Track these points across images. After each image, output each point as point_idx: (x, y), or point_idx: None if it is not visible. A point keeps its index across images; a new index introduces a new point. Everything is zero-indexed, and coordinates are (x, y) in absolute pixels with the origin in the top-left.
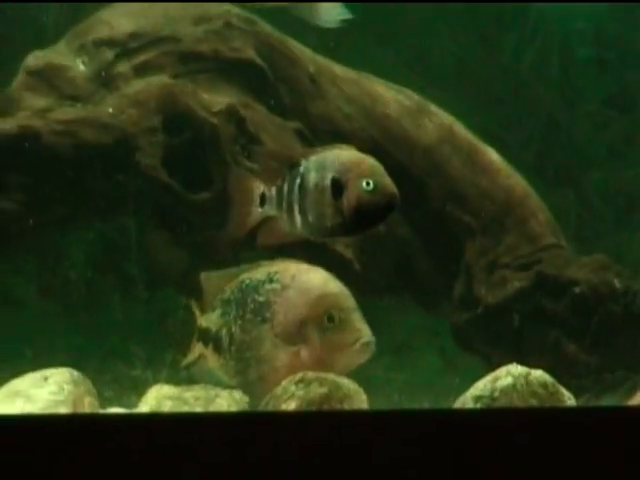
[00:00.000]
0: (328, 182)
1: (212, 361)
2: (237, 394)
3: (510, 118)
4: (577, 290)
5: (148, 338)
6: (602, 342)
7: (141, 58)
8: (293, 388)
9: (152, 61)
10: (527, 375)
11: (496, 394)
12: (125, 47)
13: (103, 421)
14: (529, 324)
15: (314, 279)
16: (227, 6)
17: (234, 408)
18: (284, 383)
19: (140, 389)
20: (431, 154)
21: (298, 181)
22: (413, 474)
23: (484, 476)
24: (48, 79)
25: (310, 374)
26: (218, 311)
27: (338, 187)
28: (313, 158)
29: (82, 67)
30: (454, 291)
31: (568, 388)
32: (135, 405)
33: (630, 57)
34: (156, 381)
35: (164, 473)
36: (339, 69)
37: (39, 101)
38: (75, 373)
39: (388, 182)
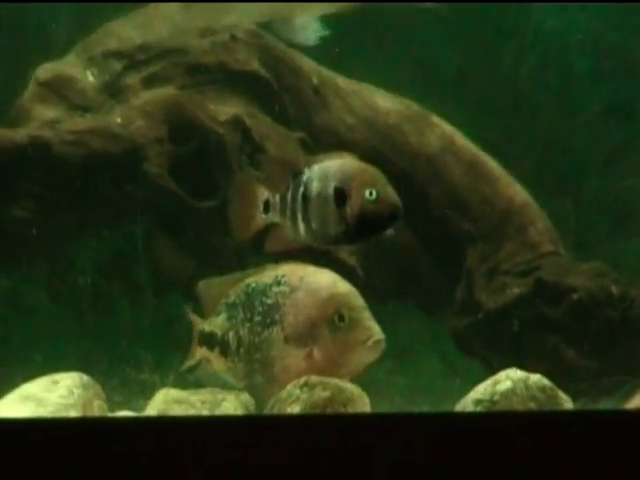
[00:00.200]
0: (331, 191)
1: (218, 364)
2: (244, 397)
3: (510, 128)
4: (575, 296)
5: (155, 343)
6: (600, 347)
7: (149, 70)
8: (297, 392)
9: (160, 73)
10: (526, 379)
11: (496, 398)
12: (133, 59)
13: (112, 424)
14: (528, 329)
15: (322, 280)
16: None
17: (240, 411)
18: (289, 387)
19: (148, 393)
20: (433, 163)
21: (301, 189)
22: (414, 476)
23: (485, 478)
24: (58, 90)
25: (314, 378)
26: (223, 315)
27: (341, 196)
28: (316, 167)
29: (91, 78)
30: (455, 296)
31: (566, 392)
32: (143, 409)
33: (627, 68)
34: (163, 385)
35: (170, 475)
36: (342, 80)
37: (49, 112)
38: (84, 377)
39: (390, 191)
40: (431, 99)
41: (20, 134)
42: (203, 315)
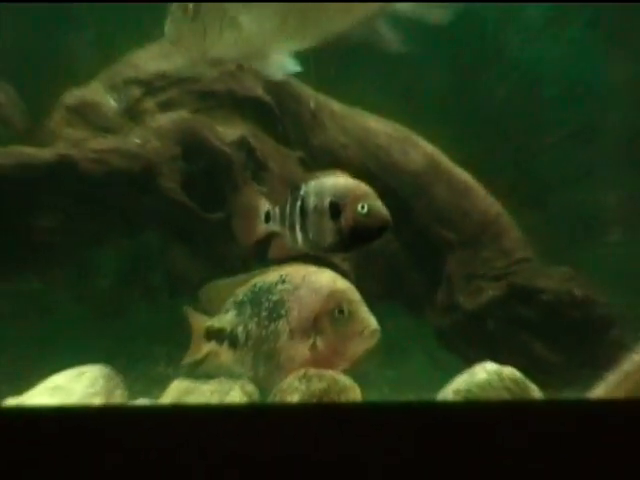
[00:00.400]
0: (327, 205)
1: (227, 356)
2: (249, 387)
3: (487, 148)
4: (544, 298)
5: (169, 339)
6: (565, 344)
7: (164, 96)
8: (296, 383)
9: (174, 98)
10: (500, 372)
11: (473, 388)
12: (150, 86)
13: (132, 411)
14: (502, 327)
15: (323, 278)
16: None
17: (245, 400)
18: (289, 379)
19: (163, 384)
20: (417, 180)
21: (299, 203)
22: (399, 456)
23: (463, 457)
24: (83, 114)
25: (312, 371)
26: (232, 312)
27: (336, 210)
28: (313, 183)
29: (113, 103)
30: (437, 298)
31: (535, 383)
32: (159, 397)
33: (591, 96)
34: (177, 376)
35: (181, 452)
36: (336, 105)
37: (75, 133)
38: (107, 369)
39: (380, 206)
40: (415, 121)
41: (50, 153)
42: (208, 314)
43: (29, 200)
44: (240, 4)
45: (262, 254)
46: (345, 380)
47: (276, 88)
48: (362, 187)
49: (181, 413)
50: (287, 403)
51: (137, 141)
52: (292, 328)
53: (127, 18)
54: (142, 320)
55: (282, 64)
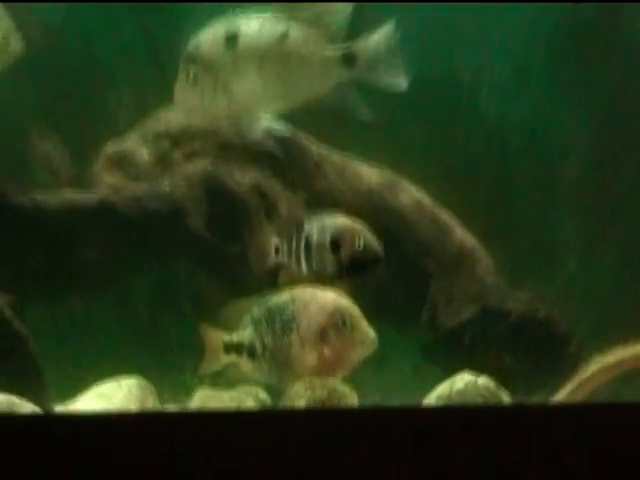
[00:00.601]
0: (328, 241)
1: (247, 367)
2: (262, 395)
3: (460, 193)
4: (512, 318)
5: (195, 353)
6: (531, 356)
7: (190, 147)
8: (303, 391)
9: (198, 150)
10: (475, 381)
11: (453, 395)
12: (178, 139)
13: (162, 415)
14: (477, 343)
15: (328, 297)
16: None
17: (258, 405)
18: (296, 387)
19: (190, 392)
20: (404, 219)
21: (304, 239)
22: (389, 450)
23: (443, 452)
24: (121, 162)
25: (316, 380)
26: (250, 328)
27: (336, 245)
28: (315, 222)
29: (146, 153)
30: (421, 318)
31: (505, 390)
32: (186, 403)
33: (553, 151)
34: (201, 386)
35: (199, 451)
36: (336, 156)
37: (115, 179)
38: (141, 380)
39: (374, 241)
40: (403, 168)
41: (93, 197)
42: (227, 330)
43: (76, 237)
44: (230, 68)
45: (273, 282)
46: (344, 388)
47: (284, 141)
48: (358, 225)
49: (204, 417)
50: (294, 408)
51: (167, 187)
52: (302, 339)
53: (158, 79)
54: (172, 336)
55: (267, 124)
